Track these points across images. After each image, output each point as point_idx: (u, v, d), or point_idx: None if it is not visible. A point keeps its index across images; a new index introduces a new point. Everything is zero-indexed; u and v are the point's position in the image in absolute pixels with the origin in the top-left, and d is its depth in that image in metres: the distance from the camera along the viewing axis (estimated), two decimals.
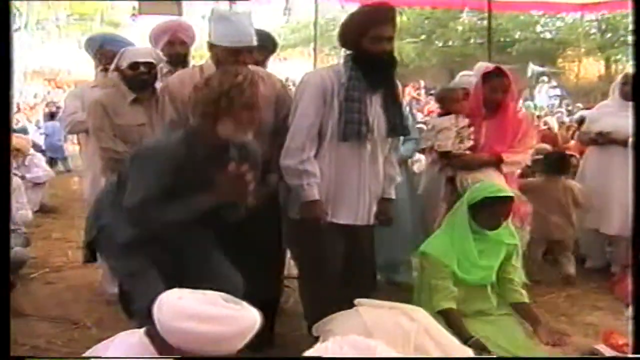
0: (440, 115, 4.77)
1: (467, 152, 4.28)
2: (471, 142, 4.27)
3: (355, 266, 3.74)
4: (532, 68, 24.54)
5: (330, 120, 3.54)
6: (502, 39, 28.57)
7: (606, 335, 3.41)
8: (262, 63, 4.25)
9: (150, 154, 3.02)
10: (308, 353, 1.92)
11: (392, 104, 3.68)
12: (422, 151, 5.17)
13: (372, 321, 2.91)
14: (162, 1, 7.99)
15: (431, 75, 25.98)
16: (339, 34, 3.70)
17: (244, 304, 2.19)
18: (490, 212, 3.64)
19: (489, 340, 3.37)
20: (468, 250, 3.65)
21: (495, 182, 3.96)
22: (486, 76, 4.34)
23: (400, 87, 3.82)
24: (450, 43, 31.35)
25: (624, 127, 5.08)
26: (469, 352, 2.94)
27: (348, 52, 3.65)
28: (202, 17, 16.90)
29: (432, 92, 17.53)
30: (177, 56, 4.74)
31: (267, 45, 4.40)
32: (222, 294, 2.20)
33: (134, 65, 4.10)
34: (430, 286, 3.61)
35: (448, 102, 4.78)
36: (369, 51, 3.51)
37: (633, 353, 2.09)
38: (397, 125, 3.69)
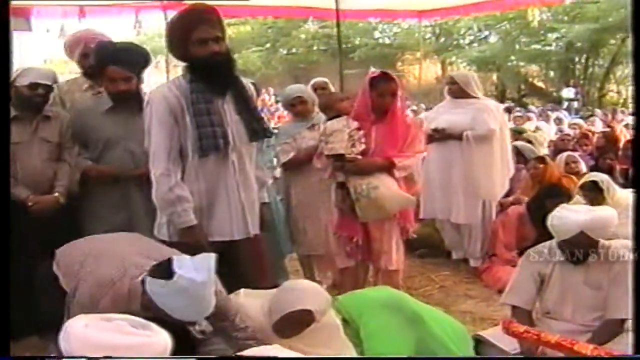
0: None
1: (359, 156, 4.27)
2: (363, 146, 4.26)
3: (241, 282, 3.63)
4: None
5: (187, 138, 3.42)
6: (344, 46, 29.38)
7: (505, 324, 3.56)
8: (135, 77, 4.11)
9: None
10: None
11: (246, 108, 3.58)
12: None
13: None
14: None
15: (278, 83, 26.25)
16: (167, 46, 3.59)
17: (154, 327, 2.14)
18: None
19: None
20: None
21: None
22: (373, 81, 4.33)
23: (251, 88, 3.73)
24: (294, 50, 32.00)
25: (458, 122, 5.52)
26: None
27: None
28: (47, 31, 16.37)
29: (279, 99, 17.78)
30: (92, 68, 4.49)
31: (139, 59, 4.23)
32: (130, 318, 2.15)
33: (33, 85, 4.05)
34: None
35: (328, 108, 4.79)
36: (198, 56, 3.39)
37: (633, 353, 2.22)
38: (257, 129, 3.60)
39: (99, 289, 2.83)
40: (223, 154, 3.47)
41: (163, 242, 3.48)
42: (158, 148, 3.43)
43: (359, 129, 4.29)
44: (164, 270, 2.69)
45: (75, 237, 3.40)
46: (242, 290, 3.35)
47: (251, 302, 3.27)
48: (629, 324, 3.49)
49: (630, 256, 3.66)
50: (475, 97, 5.69)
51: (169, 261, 2.72)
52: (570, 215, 3.62)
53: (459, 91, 5.66)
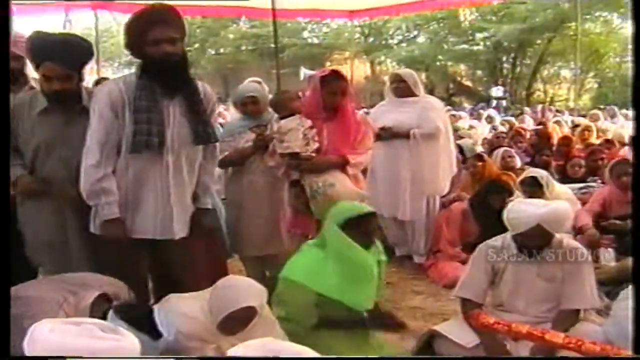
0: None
1: (313, 154, 4.28)
2: (316, 144, 4.28)
3: (165, 283, 3.68)
4: (304, 72, 25.39)
5: (124, 133, 3.42)
6: (272, 45, 29.43)
7: (475, 316, 3.61)
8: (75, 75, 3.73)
9: None
10: None
11: (194, 111, 3.55)
12: None
13: None
14: None
15: (206, 82, 26.03)
16: (124, 44, 3.56)
17: (123, 331, 2.12)
18: (357, 231, 3.69)
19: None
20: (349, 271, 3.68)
21: (354, 202, 4.02)
22: (324, 79, 4.34)
23: (208, 92, 3.71)
24: (222, 50, 31.83)
25: (404, 121, 5.54)
26: None
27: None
28: None
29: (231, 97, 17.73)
30: (12, 72, 3.92)
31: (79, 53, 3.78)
32: (99, 322, 2.14)
33: None
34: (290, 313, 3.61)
35: (280, 106, 4.67)
36: (152, 56, 3.40)
37: (633, 353, 2.27)
38: (201, 133, 3.58)
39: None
40: (158, 153, 3.47)
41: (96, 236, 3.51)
42: (93, 140, 3.43)
43: (312, 127, 4.31)
44: (144, 323, 2.71)
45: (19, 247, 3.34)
46: (170, 295, 3.33)
47: (189, 305, 3.27)
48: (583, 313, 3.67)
49: (583, 250, 3.82)
50: (418, 96, 5.73)
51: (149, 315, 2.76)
52: (527, 209, 3.70)
53: (406, 90, 5.67)
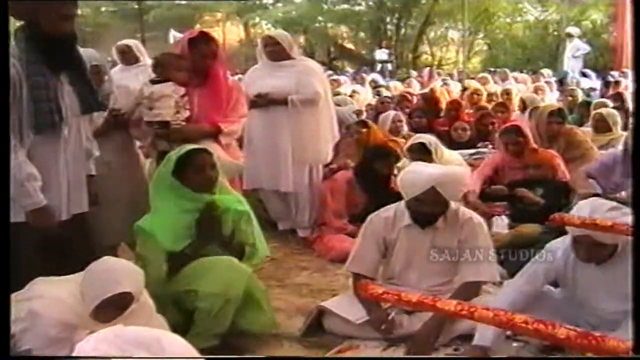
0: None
1: (184, 122, 4.29)
2: (188, 113, 4.28)
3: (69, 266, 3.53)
4: (174, 35, 25.02)
5: (23, 113, 3.35)
6: (135, 6, 28.88)
7: (363, 286, 3.66)
8: None
9: None
10: None
11: (81, 81, 3.61)
12: None
13: None
14: None
15: None
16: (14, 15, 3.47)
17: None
18: (194, 169, 3.79)
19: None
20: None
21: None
22: (192, 42, 4.33)
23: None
24: (79, 12, 30.83)
25: (281, 86, 5.58)
26: None
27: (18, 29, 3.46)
28: None
29: None
30: None
31: None
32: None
33: None
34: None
35: (166, 68, 4.44)
36: (46, 30, 3.40)
37: (633, 353, 2.35)
38: (91, 101, 3.65)
39: None
40: (57, 130, 3.47)
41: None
42: None
43: (184, 95, 4.30)
44: None
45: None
46: (38, 279, 3.22)
47: (59, 290, 3.20)
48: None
49: (479, 220, 3.98)
50: (294, 59, 5.76)
51: None
52: (423, 170, 3.83)
53: (281, 52, 5.67)
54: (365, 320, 3.77)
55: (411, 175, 3.86)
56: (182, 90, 4.30)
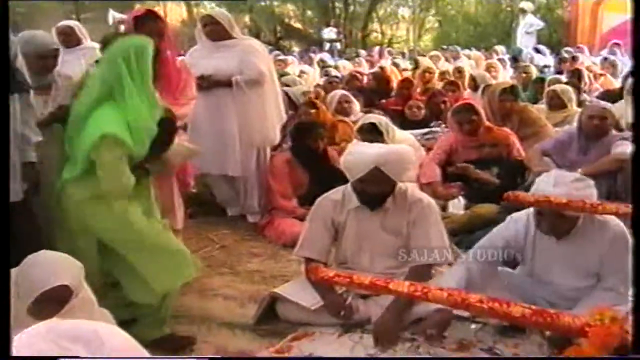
0: None
1: None
2: None
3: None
4: (113, 15, 24.71)
5: None
6: None
7: (314, 270, 3.55)
8: None
9: None
10: None
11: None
12: None
13: None
14: None
15: None
16: None
17: None
18: None
19: None
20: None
21: None
22: (138, 20, 4.29)
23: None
24: None
25: (224, 67, 5.58)
26: None
27: None
28: None
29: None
30: None
31: None
32: None
33: None
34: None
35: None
36: None
37: (633, 353, 2.39)
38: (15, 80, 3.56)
39: None
40: None
41: None
42: None
43: None
44: None
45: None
46: None
47: None
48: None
49: (429, 200, 4.04)
50: (236, 38, 5.74)
51: None
52: (364, 150, 3.88)
53: (221, 32, 5.64)
54: (322, 306, 3.81)
55: (353, 156, 3.91)
56: None
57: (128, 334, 1.61)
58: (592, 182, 3.43)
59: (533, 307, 2.60)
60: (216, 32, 5.65)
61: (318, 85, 10.62)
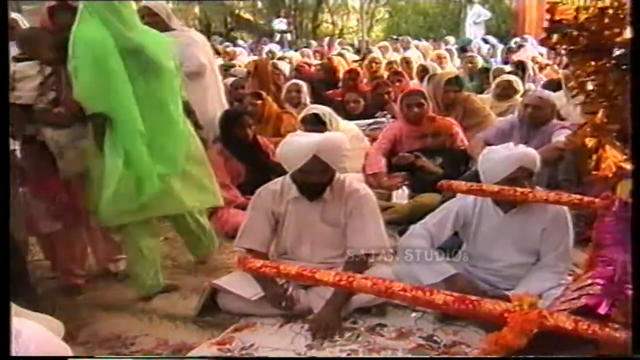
0: None
1: (49, 106, 4.06)
2: (53, 94, 4.05)
3: None
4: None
5: None
6: None
7: (241, 260, 3.59)
8: None
9: None
10: None
11: None
12: None
13: None
14: None
15: None
16: None
17: None
18: None
19: None
20: None
21: None
22: (53, 11, 4.16)
23: None
24: None
25: None
26: None
27: None
28: None
29: None
30: None
31: None
32: None
33: None
34: None
35: (32, 45, 4.22)
36: None
37: (633, 353, 2.40)
38: None
39: None
40: None
41: None
42: None
43: (52, 74, 4.10)
44: None
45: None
46: None
47: None
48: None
49: (366, 191, 4.08)
50: (174, 30, 5.70)
51: None
52: (301, 140, 3.89)
53: (160, 23, 5.53)
54: (263, 296, 3.82)
55: (290, 146, 3.92)
56: (49, 69, 4.09)
57: None
58: None
59: (455, 294, 2.64)
60: (154, 23, 5.42)
61: None
